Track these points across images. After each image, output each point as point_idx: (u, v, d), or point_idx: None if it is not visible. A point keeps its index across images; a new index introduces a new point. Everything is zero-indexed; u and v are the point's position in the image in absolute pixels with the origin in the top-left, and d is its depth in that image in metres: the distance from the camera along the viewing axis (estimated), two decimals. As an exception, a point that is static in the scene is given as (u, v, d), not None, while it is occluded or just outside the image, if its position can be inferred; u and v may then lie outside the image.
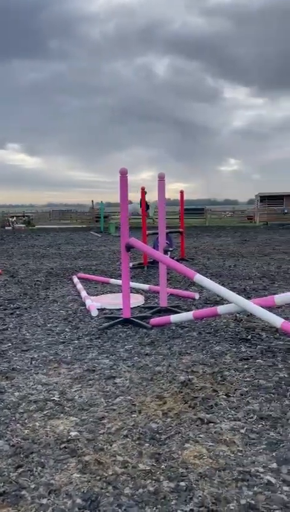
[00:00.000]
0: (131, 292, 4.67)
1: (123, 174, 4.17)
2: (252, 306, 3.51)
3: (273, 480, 1.79)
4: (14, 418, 2.34)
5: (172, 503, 1.66)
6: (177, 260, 8.15)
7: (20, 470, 1.87)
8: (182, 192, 9.98)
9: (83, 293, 5.51)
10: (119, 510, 1.62)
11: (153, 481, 1.79)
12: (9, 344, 3.69)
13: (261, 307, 3.51)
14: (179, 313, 4.38)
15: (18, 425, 2.26)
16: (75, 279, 6.65)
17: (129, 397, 2.58)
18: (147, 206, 25.45)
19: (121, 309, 4.42)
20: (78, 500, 1.67)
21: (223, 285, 5.36)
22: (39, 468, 1.88)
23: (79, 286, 6.05)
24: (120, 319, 4.28)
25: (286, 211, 26.71)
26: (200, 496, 1.69)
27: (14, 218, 27.28)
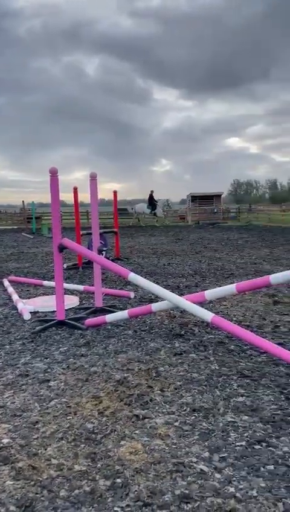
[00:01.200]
0: (65, 293, 4.60)
1: (54, 174, 4.09)
2: (184, 302, 3.61)
3: (205, 469, 1.86)
4: None
5: (108, 500, 1.67)
6: (112, 260, 8.16)
7: None
8: (115, 193, 10.00)
9: (15, 297, 5.34)
10: (55, 513, 1.60)
11: (89, 481, 1.79)
12: None
13: (193, 302, 3.63)
14: (114, 312, 4.39)
15: None
16: (6, 283, 6.42)
17: (64, 399, 2.55)
18: (155, 206, 25.10)
19: (55, 311, 4.35)
20: (12, 508, 1.62)
21: (157, 283, 5.45)
22: None
23: (10, 289, 5.85)
24: (54, 321, 4.21)
25: (215, 210, 27.71)
26: (136, 491, 1.72)
27: None
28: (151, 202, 24.48)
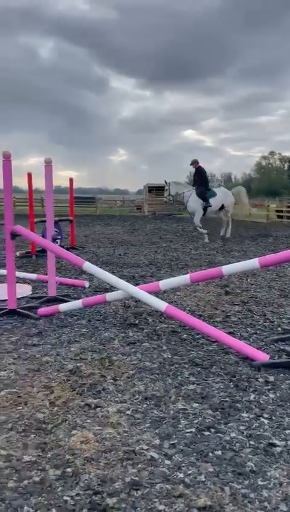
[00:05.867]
0: (17, 282, 4.48)
1: (7, 158, 3.96)
2: (139, 292, 3.63)
3: (156, 456, 1.89)
4: None
5: (58, 490, 1.66)
6: (67, 249, 8.04)
7: None
8: (71, 180, 9.83)
9: None
10: (3, 504, 1.57)
11: (39, 471, 1.77)
12: None
13: (148, 292, 3.65)
14: (68, 301, 4.34)
15: None
16: None
17: (14, 390, 2.50)
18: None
19: (5, 300, 4.23)
20: None
21: (112, 272, 5.43)
22: None
23: None
24: (5, 310, 4.10)
25: (166, 200, 27.95)
26: (86, 480, 1.72)
27: None
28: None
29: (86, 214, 24.41)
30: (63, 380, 2.63)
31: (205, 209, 11.09)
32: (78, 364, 2.87)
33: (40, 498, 1.62)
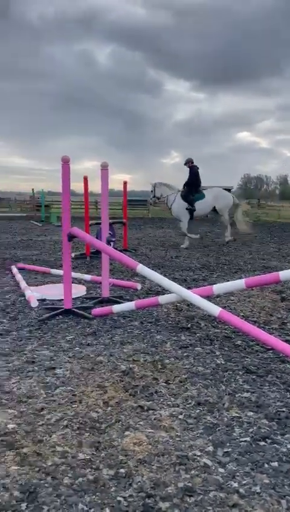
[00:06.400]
0: (73, 282, 4.60)
1: (65, 162, 4.08)
2: (192, 296, 3.60)
3: (209, 463, 1.86)
4: None
5: (112, 490, 1.68)
6: (120, 251, 8.15)
7: None
8: (125, 183, 9.97)
9: (22, 284, 5.35)
10: (58, 500, 1.61)
11: (93, 470, 1.80)
12: None
13: (201, 296, 3.61)
14: (121, 303, 4.39)
15: None
16: (14, 270, 6.44)
17: (70, 388, 2.56)
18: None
19: (62, 299, 4.36)
20: (16, 493, 1.63)
21: (164, 275, 5.43)
22: (-26, 463, 1.82)
23: (18, 276, 5.87)
24: (61, 309, 4.22)
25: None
26: (139, 482, 1.72)
27: None
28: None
29: (139, 217, 24.62)
30: (116, 380, 2.66)
31: (191, 212, 10.12)
32: (130, 365, 2.89)
33: (94, 496, 1.64)
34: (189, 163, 10.31)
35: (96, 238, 6.72)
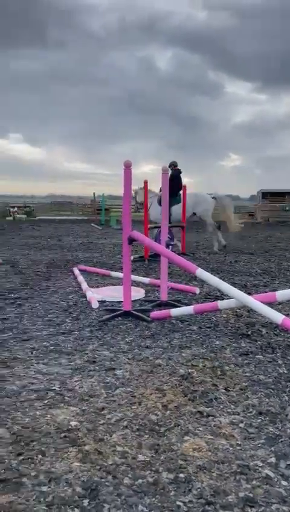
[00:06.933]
0: (132, 285, 4.67)
1: (127, 167, 4.15)
2: (253, 302, 3.52)
3: (271, 475, 1.80)
4: (14, 407, 2.35)
5: (171, 494, 1.68)
6: (178, 255, 8.15)
7: (21, 457, 1.89)
8: (184, 187, 9.95)
9: (84, 285, 5.51)
10: (119, 499, 1.64)
11: (153, 472, 1.81)
12: (10, 333, 3.70)
13: (262, 303, 3.52)
14: (179, 307, 4.39)
15: (19, 413, 2.28)
16: (76, 271, 6.65)
17: (129, 389, 2.59)
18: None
19: (121, 302, 4.43)
20: (78, 489, 1.68)
21: (223, 280, 5.36)
22: (40, 456, 1.90)
23: (80, 278, 6.05)
24: (121, 311, 4.29)
25: (288, 208, 26.64)
26: (199, 488, 1.71)
27: (16, 208, 27.22)
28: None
29: (196, 220, 24.47)
30: (175, 384, 2.66)
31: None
32: (189, 370, 2.88)
33: (153, 499, 1.65)
34: (171, 166, 10.04)
35: (155, 241, 6.77)
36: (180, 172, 10.11)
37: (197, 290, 5.39)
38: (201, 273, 3.89)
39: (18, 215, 25.59)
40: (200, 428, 2.16)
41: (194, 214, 9.96)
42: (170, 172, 9.80)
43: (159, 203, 9.70)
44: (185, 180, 10.35)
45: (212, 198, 10.19)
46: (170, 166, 10.12)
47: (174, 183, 9.77)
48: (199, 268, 3.93)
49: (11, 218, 24.97)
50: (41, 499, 1.62)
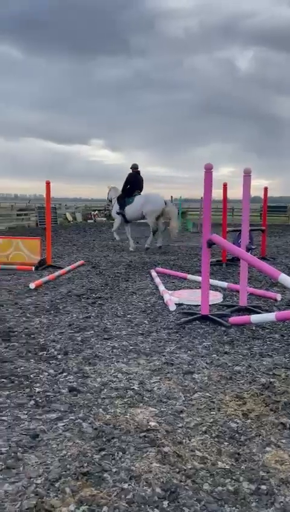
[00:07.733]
0: (210, 289, 4.61)
1: (208, 170, 4.12)
2: None
3: None
4: (96, 403, 2.44)
5: (252, 505, 1.63)
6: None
7: (103, 453, 1.95)
8: (265, 189, 9.66)
9: (161, 287, 5.56)
10: (199, 504, 1.63)
11: (233, 481, 1.77)
12: (92, 332, 3.84)
13: None
14: (259, 313, 4.26)
15: (100, 410, 2.35)
16: (154, 273, 6.73)
17: (208, 394, 2.57)
18: None
19: (198, 305, 4.40)
20: (158, 490, 1.70)
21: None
22: (120, 453, 1.94)
23: (157, 280, 6.12)
24: (198, 315, 4.26)
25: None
26: (281, 502, 1.64)
27: (96, 211, 28.22)
28: None
29: (277, 224, 23.58)
30: (256, 393, 2.58)
31: (123, 216, 10.52)
32: (271, 379, 2.77)
33: (234, 508, 1.61)
34: (132, 168, 10.56)
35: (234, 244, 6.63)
36: (138, 173, 10.67)
37: (279, 297, 5.19)
38: (285, 279, 3.73)
39: (99, 218, 26.52)
40: (283, 441, 2.07)
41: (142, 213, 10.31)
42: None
43: (117, 202, 10.77)
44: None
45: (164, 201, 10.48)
46: (131, 168, 10.75)
47: (131, 184, 10.57)
48: (282, 274, 3.77)
49: (92, 221, 25.95)
50: (122, 496, 1.66)
